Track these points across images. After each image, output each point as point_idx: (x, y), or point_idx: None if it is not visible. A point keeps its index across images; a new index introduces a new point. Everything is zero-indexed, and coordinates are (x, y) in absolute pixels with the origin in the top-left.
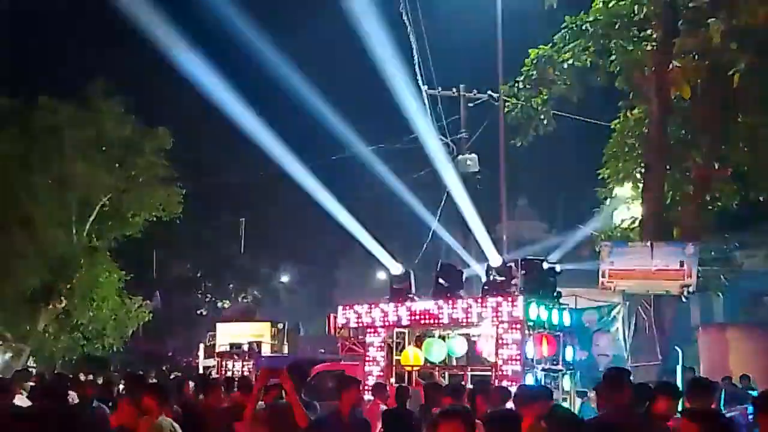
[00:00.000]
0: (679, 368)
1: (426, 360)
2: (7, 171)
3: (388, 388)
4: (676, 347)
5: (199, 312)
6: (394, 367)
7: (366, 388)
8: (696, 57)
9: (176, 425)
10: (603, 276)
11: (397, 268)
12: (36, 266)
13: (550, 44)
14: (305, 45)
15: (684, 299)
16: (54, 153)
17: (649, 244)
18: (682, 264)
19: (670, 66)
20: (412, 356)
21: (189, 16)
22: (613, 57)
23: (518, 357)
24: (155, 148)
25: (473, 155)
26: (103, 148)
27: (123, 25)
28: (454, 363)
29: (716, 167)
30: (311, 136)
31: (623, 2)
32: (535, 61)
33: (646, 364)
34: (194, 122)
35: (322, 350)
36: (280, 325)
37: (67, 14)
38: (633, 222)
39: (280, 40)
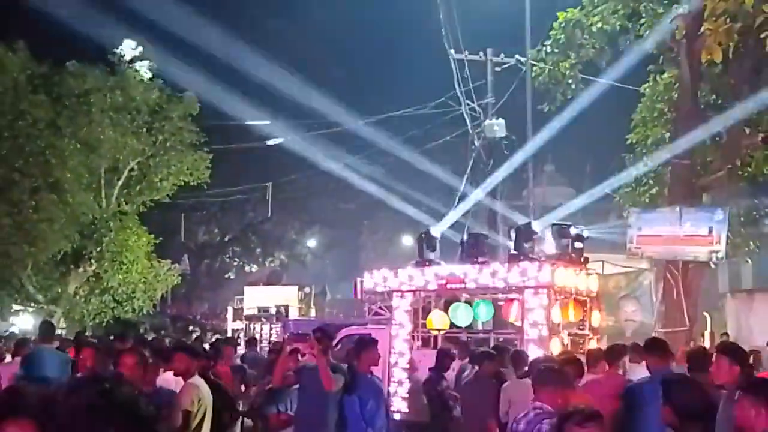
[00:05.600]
0: (707, 334)
1: (452, 324)
2: (37, 136)
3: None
4: (704, 313)
5: (226, 276)
6: (420, 332)
7: (392, 351)
8: (728, 20)
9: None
10: (631, 242)
11: (437, 230)
12: (66, 230)
13: (579, 7)
14: (332, 8)
15: (712, 265)
16: (83, 118)
17: (677, 209)
18: (710, 230)
19: (701, 29)
20: (438, 320)
21: None
22: (642, 20)
23: (544, 322)
24: (183, 114)
25: (500, 120)
26: (131, 114)
27: None
28: (480, 327)
29: (747, 132)
30: (340, 100)
31: None
32: (563, 25)
33: (674, 330)
34: (222, 87)
35: (341, 315)
36: (307, 289)
37: None
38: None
39: (306, 5)
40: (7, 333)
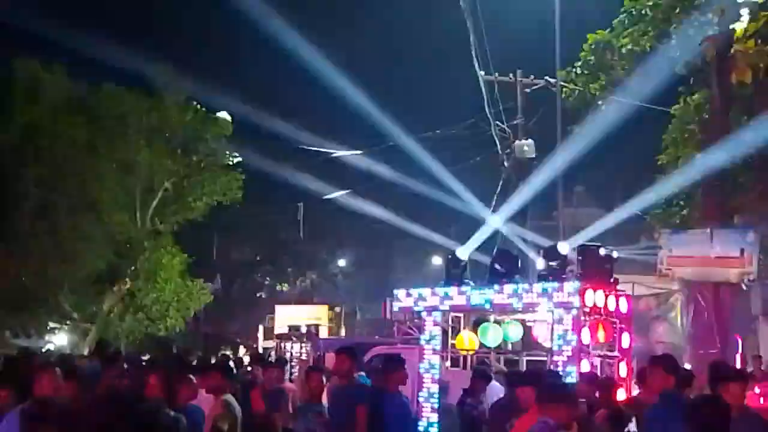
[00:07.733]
0: (737, 357)
1: (481, 344)
2: (75, 157)
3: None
4: (736, 336)
5: (258, 295)
6: (449, 351)
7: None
8: (758, 41)
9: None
10: (661, 263)
11: (464, 252)
12: (102, 249)
13: (609, 29)
14: (362, 31)
15: (744, 287)
16: (119, 139)
17: (708, 230)
18: (742, 251)
19: (732, 51)
20: (467, 340)
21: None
22: (673, 41)
23: (574, 343)
24: (217, 135)
25: (530, 141)
26: (167, 135)
27: (186, 12)
28: (510, 348)
29: None
30: (368, 122)
31: None
32: (593, 47)
33: (705, 353)
34: (255, 106)
35: (377, 337)
36: (338, 309)
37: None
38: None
39: (336, 29)
40: (45, 350)
